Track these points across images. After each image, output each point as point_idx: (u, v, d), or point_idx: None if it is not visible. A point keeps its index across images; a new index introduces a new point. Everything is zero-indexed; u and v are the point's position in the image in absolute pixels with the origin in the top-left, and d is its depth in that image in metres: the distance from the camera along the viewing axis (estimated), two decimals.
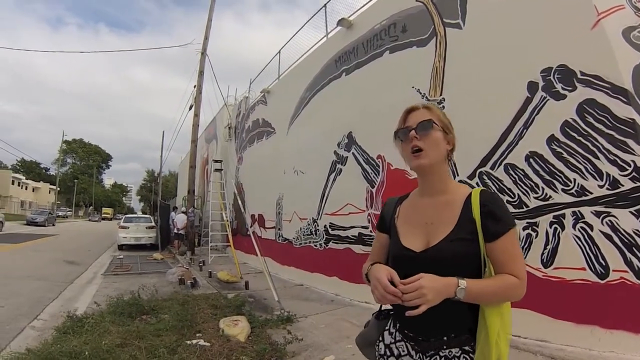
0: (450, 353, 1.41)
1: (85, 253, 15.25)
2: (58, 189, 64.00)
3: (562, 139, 4.38)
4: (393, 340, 1.59)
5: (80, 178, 75.14)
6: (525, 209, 4.68)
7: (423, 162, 1.49)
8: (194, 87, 17.22)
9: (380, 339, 1.66)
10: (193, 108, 17.16)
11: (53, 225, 37.70)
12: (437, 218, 1.49)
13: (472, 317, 1.40)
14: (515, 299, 1.38)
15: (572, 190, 4.27)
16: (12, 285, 8.04)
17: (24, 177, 67.57)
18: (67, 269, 11.01)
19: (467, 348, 1.40)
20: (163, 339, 4.49)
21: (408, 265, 1.43)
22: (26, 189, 67.12)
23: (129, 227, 18.01)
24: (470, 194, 1.48)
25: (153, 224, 19.39)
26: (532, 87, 4.73)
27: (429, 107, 1.57)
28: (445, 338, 1.41)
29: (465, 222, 1.42)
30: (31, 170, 75.06)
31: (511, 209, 4.50)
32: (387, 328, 1.65)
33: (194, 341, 4.55)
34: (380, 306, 1.66)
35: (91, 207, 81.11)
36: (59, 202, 66.36)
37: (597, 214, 4.07)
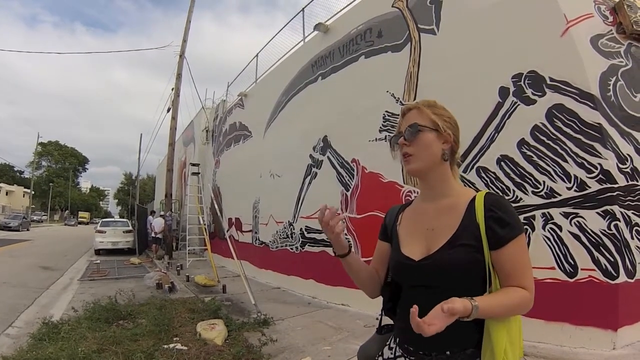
0: None
1: (61, 258, 14.96)
2: (33, 192, 62.74)
3: (532, 142, 4.51)
4: (392, 356, 1.47)
5: (55, 181, 73.47)
6: None
7: (412, 167, 1.41)
8: (172, 89, 17.10)
9: (380, 354, 1.55)
10: (171, 111, 17.04)
11: (28, 230, 36.66)
12: (438, 223, 1.39)
13: (478, 329, 1.28)
14: (523, 312, 1.27)
15: (542, 192, 4.39)
16: None
17: None
18: (43, 274, 10.80)
19: None
20: (140, 344, 4.47)
21: (408, 275, 1.37)
22: None
23: (106, 232, 17.70)
24: (475, 197, 1.36)
25: (130, 228, 19.12)
26: (503, 92, 4.86)
27: (418, 107, 1.45)
28: (448, 353, 1.29)
29: (469, 227, 1.31)
30: (4, 173, 73.23)
31: None
32: (387, 343, 1.55)
33: (171, 345, 4.53)
34: (380, 320, 1.63)
35: (67, 211, 79.49)
36: (33, 206, 65.00)
37: (566, 215, 4.19)
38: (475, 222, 1.30)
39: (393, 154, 1.53)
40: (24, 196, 69.92)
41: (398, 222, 1.57)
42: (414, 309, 1.09)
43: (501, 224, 1.27)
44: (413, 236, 1.46)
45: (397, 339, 1.47)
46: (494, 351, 1.22)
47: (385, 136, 6.40)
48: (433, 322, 1.08)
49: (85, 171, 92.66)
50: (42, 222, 60.64)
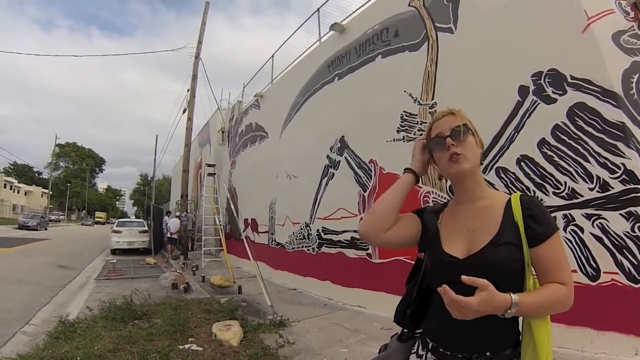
0: None
1: (77, 257, 15.11)
2: (50, 192, 63.61)
3: (553, 142, 4.42)
4: None
5: (73, 182, 74.48)
6: None
7: (464, 167, 1.41)
8: (188, 91, 17.18)
9: None
10: (186, 112, 17.12)
11: (45, 229, 37.18)
12: (478, 224, 1.41)
13: (516, 329, 1.34)
14: (564, 309, 1.28)
15: (563, 193, 4.30)
16: (4, 290, 7.96)
17: (16, 181, 67.06)
18: (60, 273, 10.92)
19: None
20: (155, 344, 4.48)
21: (450, 272, 1.32)
22: (18, 192, 66.58)
23: (122, 232, 17.85)
24: (510, 198, 1.41)
25: (146, 228, 19.25)
26: (523, 91, 4.77)
27: (454, 113, 1.49)
28: (488, 354, 1.30)
29: (509, 227, 1.34)
30: (23, 173, 74.58)
31: None
32: (413, 351, 1.53)
33: (187, 346, 4.53)
34: (403, 328, 1.60)
35: (84, 211, 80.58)
36: (51, 205, 65.86)
37: (588, 217, 4.10)
38: (514, 222, 1.34)
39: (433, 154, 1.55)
40: (42, 196, 71.07)
41: (439, 220, 1.57)
42: (445, 287, 1.15)
43: (538, 221, 1.31)
44: (453, 237, 1.46)
45: (430, 344, 1.45)
46: (536, 348, 1.25)
47: (404, 136, 6.35)
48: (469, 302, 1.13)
49: (102, 172, 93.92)
50: (59, 221, 61.50)
